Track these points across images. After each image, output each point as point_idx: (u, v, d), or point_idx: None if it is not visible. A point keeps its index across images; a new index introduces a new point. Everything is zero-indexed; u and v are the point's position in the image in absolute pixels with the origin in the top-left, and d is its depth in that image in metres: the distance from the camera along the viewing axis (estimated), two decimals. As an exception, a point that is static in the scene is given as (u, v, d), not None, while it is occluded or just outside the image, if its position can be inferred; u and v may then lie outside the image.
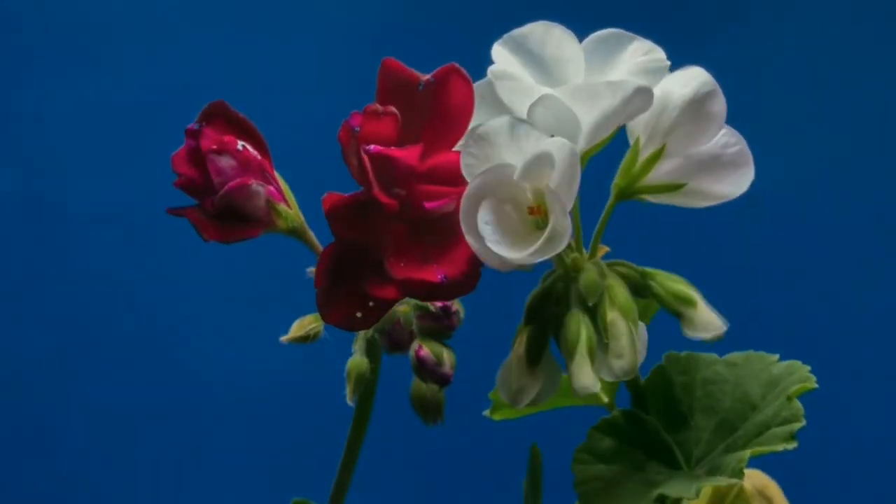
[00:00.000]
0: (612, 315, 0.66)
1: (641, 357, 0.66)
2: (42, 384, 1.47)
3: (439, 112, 0.66)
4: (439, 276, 0.63)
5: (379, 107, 0.65)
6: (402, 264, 0.64)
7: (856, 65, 1.50)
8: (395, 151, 0.64)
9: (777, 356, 0.72)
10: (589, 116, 0.64)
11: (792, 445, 0.68)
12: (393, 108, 0.65)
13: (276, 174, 0.70)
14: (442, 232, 0.65)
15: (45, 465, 1.47)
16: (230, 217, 0.68)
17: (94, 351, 1.47)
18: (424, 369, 0.72)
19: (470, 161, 0.63)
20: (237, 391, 1.48)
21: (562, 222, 0.62)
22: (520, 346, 0.69)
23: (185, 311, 1.48)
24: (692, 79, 0.66)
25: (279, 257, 0.91)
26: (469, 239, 0.62)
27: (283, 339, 0.71)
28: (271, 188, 0.69)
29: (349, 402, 0.72)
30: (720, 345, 0.72)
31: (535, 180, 0.63)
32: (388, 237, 0.65)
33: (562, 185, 0.62)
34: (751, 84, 1.45)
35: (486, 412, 0.80)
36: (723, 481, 0.67)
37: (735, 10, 1.51)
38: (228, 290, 1.47)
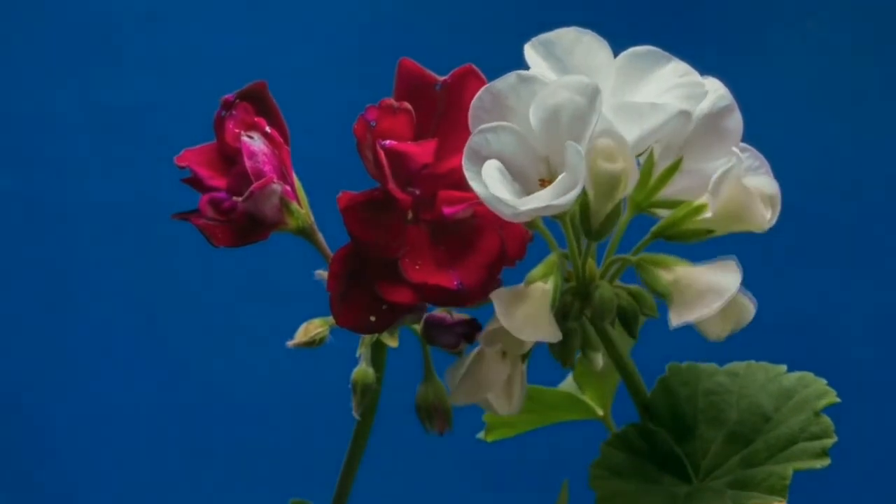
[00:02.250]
0: (674, 273, 0.64)
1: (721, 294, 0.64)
2: (42, 384, 1.47)
3: (455, 113, 0.66)
4: (455, 283, 0.63)
5: (394, 101, 0.65)
6: (418, 267, 0.63)
7: (854, 70, 1.50)
8: (410, 147, 0.64)
9: (784, 367, 0.72)
10: (629, 134, 0.63)
11: (825, 462, 0.68)
12: (407, 104, 0.65)
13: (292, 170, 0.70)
14: (459, 237, 0.64)
15: (45, 465, 1.47)
16: (245, 221, 0.67)
17: (93, 350, 1.47)
18: (443, 326, 0.69)
19: (480, 115, 0.63)
20: (237, 391, 1.47)
21: (573, 175, 0.60)
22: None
23: (185, 311, 1.48)
24: (710, 92, 0.66)
25: (283, 257, 0.91)
26: (473, 185, 0.62)
27: (290, 343, 0.70)
28: (287, 187, 0.68)
29: (356, 415, 0.71)
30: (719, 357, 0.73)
31: (551, 146, 0.62)
32: (404, 238, 0.64)
33: (580, 133, 0.61)
34: (748, 87, 1.45)
35: (480, 435, 0.80)
36: (766, 499, 0.67)
37: (732, 20, 1.50)
38: (229, 290, 1.47)
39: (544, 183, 0.63)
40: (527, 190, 0.63)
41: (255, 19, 1.50)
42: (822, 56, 1.49)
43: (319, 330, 0.70)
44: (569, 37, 0.65)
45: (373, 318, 0.64)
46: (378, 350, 0.72)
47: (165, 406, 1.47)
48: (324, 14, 1.50)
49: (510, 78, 0.63)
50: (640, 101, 0.64)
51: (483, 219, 0.64)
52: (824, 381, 0.70)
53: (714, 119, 0.66)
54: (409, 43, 1.43)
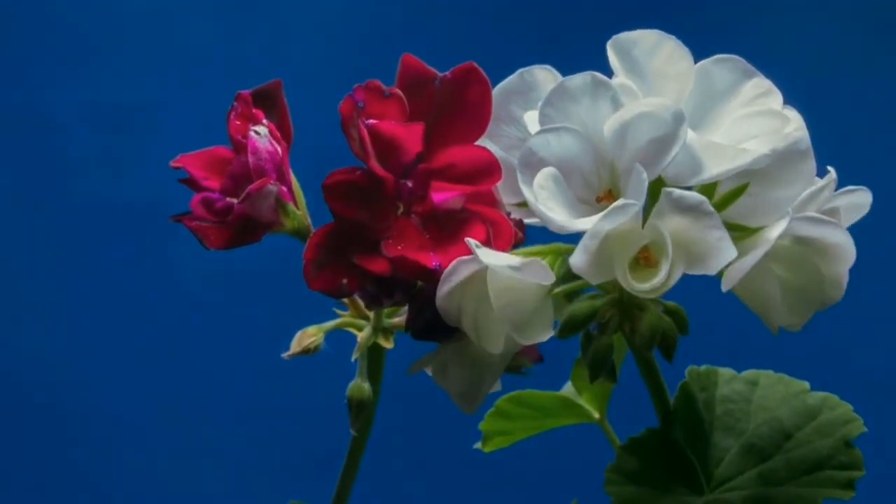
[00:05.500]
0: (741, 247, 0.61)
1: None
2: (43, 383, 1.47)
3: (454, 109, 0.66)
4: (434, 263, 0.63)
5: (382, 85, 0.64)
6: (400, 247, 0.63)
7: (862, 63, 1.50)
8: (396, 128, 0.64)
9: (806, 384, 0.71)
10: (711, 170, 0.62)
11: (851, 495, 0.67)
12: (398, 91, 0.65)
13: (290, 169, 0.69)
14: (447, 229, 0.64)
15: (47, 464, 1.47)
16: (240, 222, 0.67)
17: (93, 350, 1.47)
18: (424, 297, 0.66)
19: (549, 112, 0.62)
20: (237, 392, 1.47)
21: (633, 198, 0.59)
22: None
23: (185, 311, 1.48)
24: (792, 129, 0.64)
25: (281, 257, 0.90)
26: (523, 189, 0.61)
27: (285, 355, 0.70)
28: (283, 187, 0.67)
29: (353, 431, 0.70)
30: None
31: (619, 155, 0.61)
32: (388, 220, 0.64)
33: (657, 160, 0.60)
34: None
35: (477, 445, 0.79)
36: None
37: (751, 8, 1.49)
38: (229, 290, 1.47)
39: (600, 198, 0.62)
40: (582, 198, 0.62)
41: (257, 18, 1.51)
42: (818, 50, 1.48)
43: (313, 339, 0.70)
44: (650, 40, 0.64)
45: (345, 281, 0.63)
46: (375, 354, 0.71)
47: (165, 407, 1.47)
48: (328, 13, 1.50)
49: (585, 77, 0.62)
50: (726, 145, 0.63)
51: (473, 213, 0.64)
52: (850, 406, 0.69)
53: (790, 158, 0.64)
54: (413, 44, 1.43)
